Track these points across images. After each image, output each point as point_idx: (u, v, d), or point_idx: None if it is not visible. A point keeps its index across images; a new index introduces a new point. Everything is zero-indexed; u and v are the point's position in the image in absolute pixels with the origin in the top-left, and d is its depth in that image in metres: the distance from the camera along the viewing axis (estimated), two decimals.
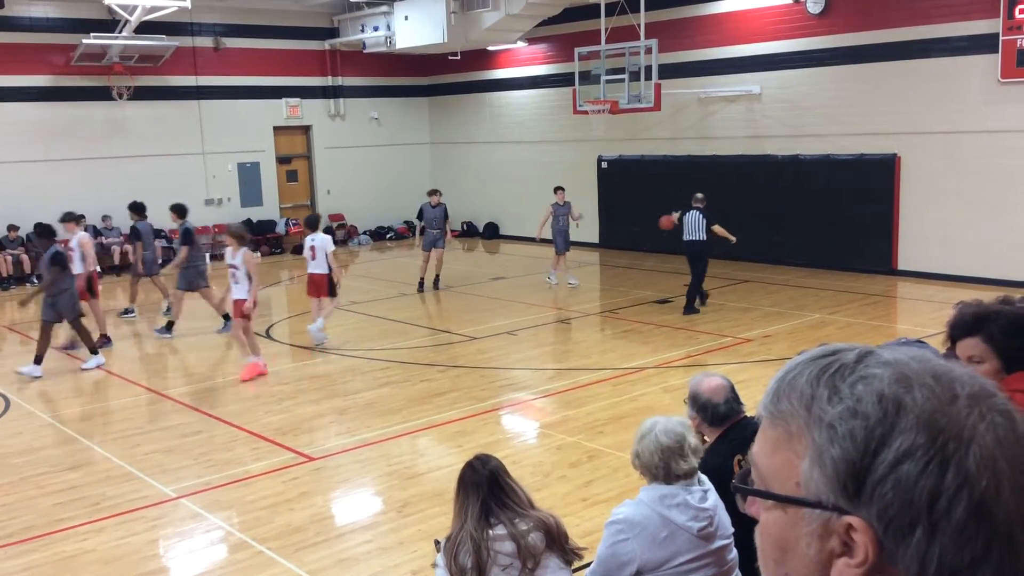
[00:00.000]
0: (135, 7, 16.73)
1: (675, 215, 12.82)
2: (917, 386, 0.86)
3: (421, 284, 15.53)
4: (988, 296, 3.23)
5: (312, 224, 12.23)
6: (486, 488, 3.59)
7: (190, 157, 20.02)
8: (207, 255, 20.16)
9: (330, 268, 11.70)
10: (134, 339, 12.97)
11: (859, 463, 0.84)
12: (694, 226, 12.48)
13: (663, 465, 3.45)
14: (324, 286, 11.80)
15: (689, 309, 12.69)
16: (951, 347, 3.08)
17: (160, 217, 19.49)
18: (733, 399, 4.00)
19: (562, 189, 15.46)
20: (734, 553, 3.56)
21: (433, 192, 15.71)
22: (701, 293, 12.91)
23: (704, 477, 3.59)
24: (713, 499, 3.50)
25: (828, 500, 0.86)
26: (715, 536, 3.46)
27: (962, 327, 3.01)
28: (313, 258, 11.75)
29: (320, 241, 11.77)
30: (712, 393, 3.98)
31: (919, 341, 3.62)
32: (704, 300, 13.00)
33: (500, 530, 3.52)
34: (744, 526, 2.76)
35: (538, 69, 20.86)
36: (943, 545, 0.82)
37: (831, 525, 0.86)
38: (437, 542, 3.71)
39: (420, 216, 15.61)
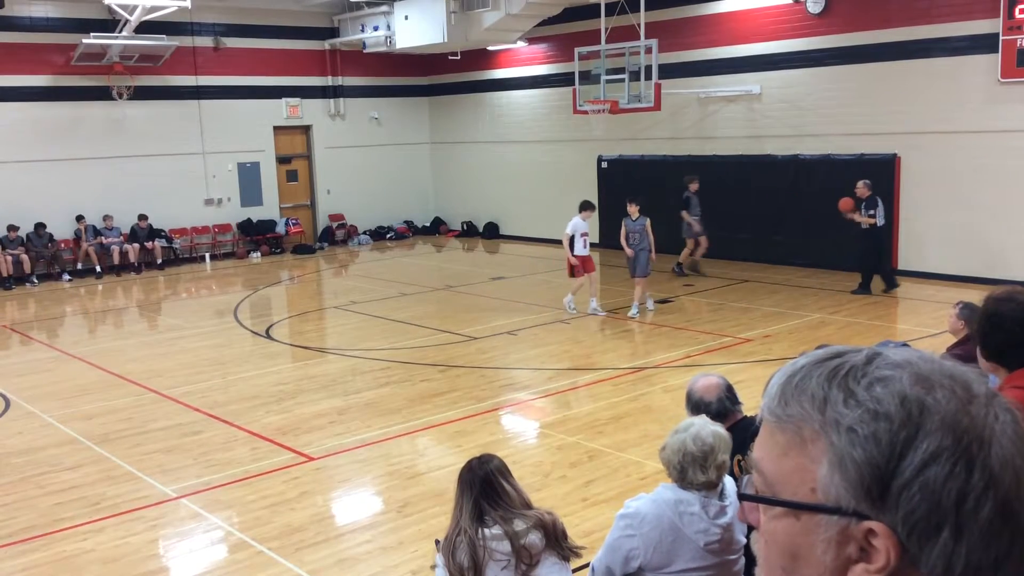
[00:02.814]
0: (135, 7, 16.73)
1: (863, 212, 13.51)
2: (938, 387, 0.86)
3: (679, 267, 15.86)
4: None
5: (579, 208, 13.02)
6: (478, 487, 3.60)
7: (190, 157, 20.02)
8: (207, 256, 20.24)
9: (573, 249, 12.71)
10: (133, 339, 12.97)
11: (884, 467, 0.83)
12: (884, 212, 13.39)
13: (679, 468, 3.38)
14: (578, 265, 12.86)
15: (892, 284, 13.72)
16: (961, 340, 3.11)
17: (161, 217, 19.53)
18: (727, 398, 3.98)
19: (634, 202, 12.88)
20: (740, 564, 3.51)
21: (692, 179, 15.54)
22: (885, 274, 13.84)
23: (730, 491, 3.47)
24: (731, 515, 3.39)
25: (848, 505, 0.84)
26: (723, 552, 3.39)
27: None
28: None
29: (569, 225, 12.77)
30: (704, 391, 3.97)
31: (904, 345, 3.63)
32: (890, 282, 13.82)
33: (496, 529, 3.52)
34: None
35: (538, 69, 20.85)
36: (970, 545, 0.82)
37: (850, 531, 0.85)
38: (437, 541, 3.72)
39: (688, 205, 15.46)
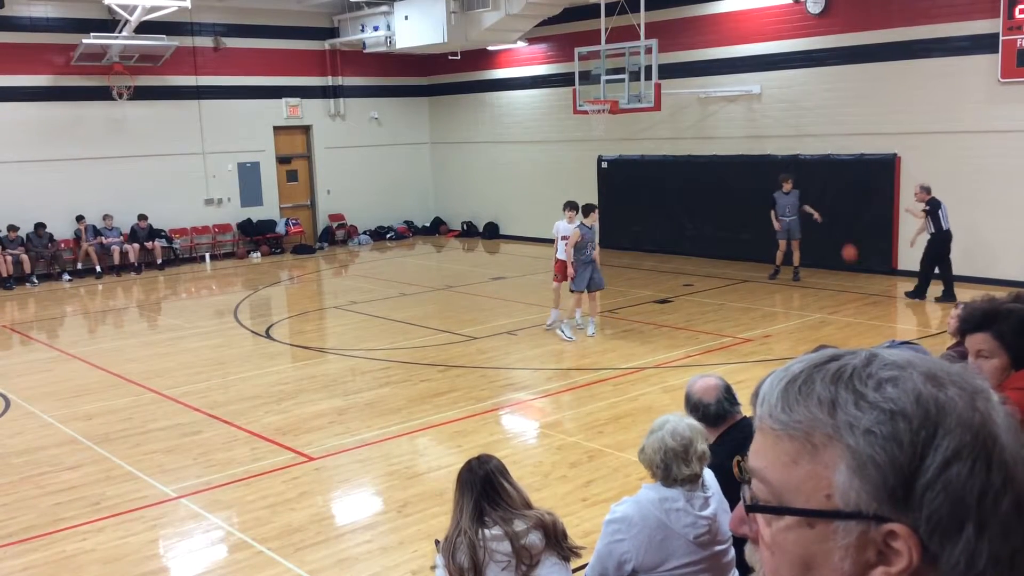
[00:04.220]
0: (135, 7, 16.73)
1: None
2: (948, 384, 0.85)
3: (776, 272, 15.13)
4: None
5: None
6: (479, 488, 3.60)
7: (190, 157, 20.02)
8: (207, 256, 20.24)
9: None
10: (133, 339, 12.97)
11: (907, 467, 0.82)
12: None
13: (663, 466, 3.43)
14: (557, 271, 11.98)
15: (921, 294, 13.10)
16: (959, 341, 3.11)
17: (161, 217, 19.53)
18: (726, 399, 3.99)
19: (594, 208, 11.83)
20: (731, 555, 3.55)
21: (786, 179, 14.74)
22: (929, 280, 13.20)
23: (710, 482, 3.54)
24: (714, 506, 3.46)
25: (869, 509, 0.83)
26: (713, 543, 3.43)
27: (973, 322, 3.04)
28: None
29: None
30: (703, 393, 3.98)
31: (910, 343, 3.63)
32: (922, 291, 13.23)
33: (496, 530, 3.52)
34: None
35: (538, 69, 20.85)
36: (991, 540, 0.82)
37: (869, 535, 0.83)
38: (437, 542, 3.72)
39: (773, 204, 14.87)
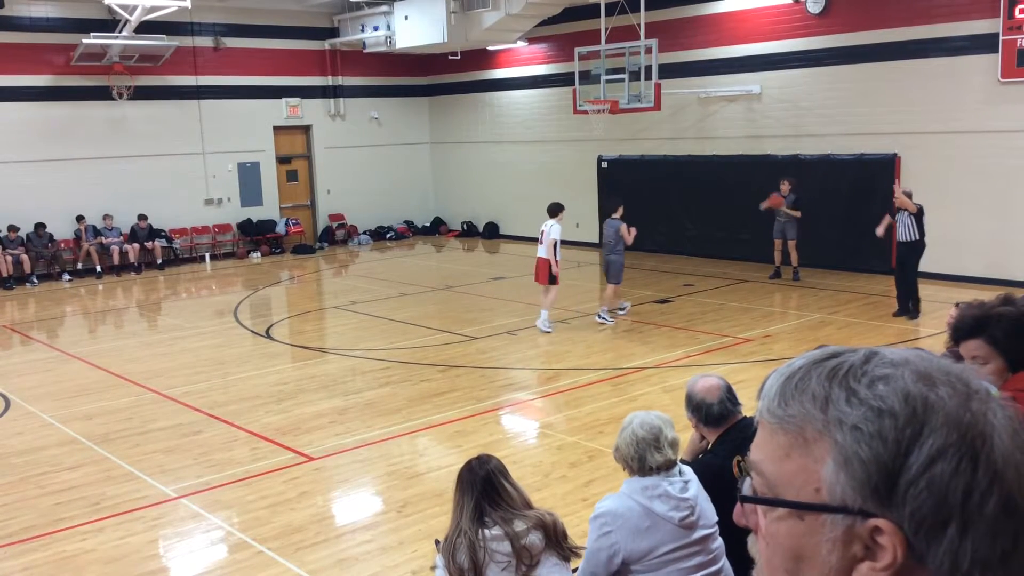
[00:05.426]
0: (135, 7, 16.73)
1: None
2: (939, 383, 0.86)
3: (777, 272, 15.16)
4: (988, 296, 3.24)
5: (550, 211, 12.46)
6: (479, 488, 3.60)
7: (190, 157, 20.02)
8: (207, 256, 20.24)
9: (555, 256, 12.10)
10: (134, 339, 12.97)
11: (891, 464, 0.83)
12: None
13: (638, 457, 3.51)
14: (544, 272, 12.24)
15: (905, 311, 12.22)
16: (953, 347, 3.10)
17: (161, 217, 19.53)
18: (728, 399, 4.00)
19: (621, 203, 13.07)
20: (719, 541, 3.59)
21: (784, 181, 14.67)
22: (913, 298, 12.31)
23: (686, 468, 3.65)
24: (694, 489, 3.56)
25: (855, 504, 0.84)
26: (697, 526, 3.51)
27: (964, 329, 3.03)
28: (541, 242, 12.33)
29: (547, 227, 12.26)
30: (705, 393, 3.99)
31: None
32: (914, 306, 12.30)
33: (496, 530, 3.52)
34: (728, 515, 2.76)
35: (538, 69, 20.86)
36: (975, 540, 0.82)
37: (855, 530, 0.84)
38: (437, 542, 3.72)
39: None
